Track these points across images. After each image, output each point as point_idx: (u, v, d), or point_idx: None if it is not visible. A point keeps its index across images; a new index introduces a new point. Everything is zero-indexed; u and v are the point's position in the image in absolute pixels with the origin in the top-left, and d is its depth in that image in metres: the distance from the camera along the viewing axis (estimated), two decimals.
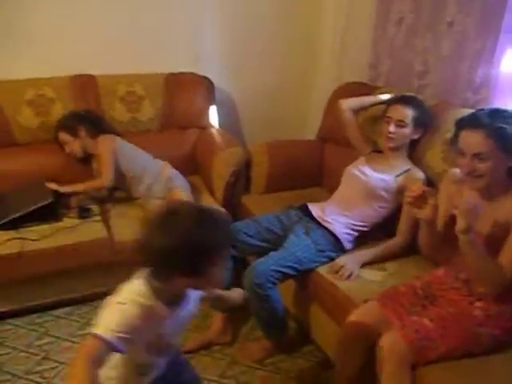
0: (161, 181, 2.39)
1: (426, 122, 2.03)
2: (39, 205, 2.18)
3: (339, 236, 2.00)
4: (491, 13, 1.98)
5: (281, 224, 2.10)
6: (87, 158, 2.47)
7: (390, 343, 1.43)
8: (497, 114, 1.43)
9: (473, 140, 1.41)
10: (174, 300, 1.16)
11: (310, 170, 2.69)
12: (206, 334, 2.10)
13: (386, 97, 2.22)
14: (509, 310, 1.48)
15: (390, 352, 1.41)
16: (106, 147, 2.35)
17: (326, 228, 2.02)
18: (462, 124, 1.47)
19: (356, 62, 2.79)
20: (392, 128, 2.02)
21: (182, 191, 2.38)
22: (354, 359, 1.62)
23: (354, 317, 1.61)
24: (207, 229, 1.06)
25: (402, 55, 2.48)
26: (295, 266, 1.89)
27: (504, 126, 1.39)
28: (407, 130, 2.02)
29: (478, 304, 1.50)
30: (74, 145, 2.40)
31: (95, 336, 1.01)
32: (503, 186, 1.47)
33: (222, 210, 1.31)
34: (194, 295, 1.23)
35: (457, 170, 1.54)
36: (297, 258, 1.90)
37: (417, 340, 1.41)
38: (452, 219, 1.40)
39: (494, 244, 1.43)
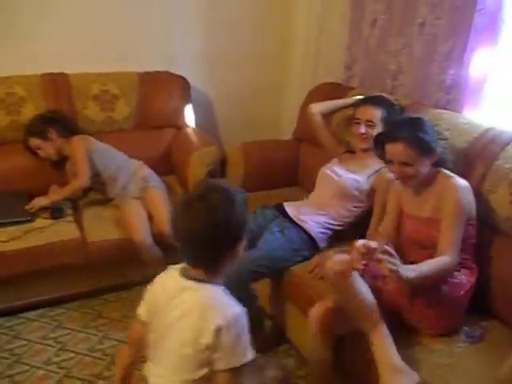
0: (135, 180, 2.37)
1: None
2: (16, 219, 2.16)
3: (314, 235, 2.01)
4: (461, 14, 2.02)
5: (256, 223, 2.10)
6: (61, 161, 2.42)
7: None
8: (413, 123, 1.65)
9: (396, 151, 1.61)
10: None
11: (285, 169, 2.70)
12: None
13: (356, 99, 2.25)
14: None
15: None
16: (81, 147, 2.31)
17: (300, 227, 2.03)
18: (384, 139, 1.68)
19: (331, 63, 2.82)
20: (362, 129, 2.04)
21: (157, 191, 2.36)
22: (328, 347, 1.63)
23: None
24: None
25: (376, 56, 2.51)
26: (270, 264, 1.89)
27: (420, 134, 1.59)
28: (376, 130, 2.03)
29: None
30: (48, 148, 2.35)
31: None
32: (430, 177, 1.65)
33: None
34: None
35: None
36: (271, 257, 1.91)
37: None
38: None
39: (434, 224, 1.59)
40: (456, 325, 1.57)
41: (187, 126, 2.79)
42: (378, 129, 2.03)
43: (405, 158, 1.59)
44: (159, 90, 2.71)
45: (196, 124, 2.84)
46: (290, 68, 3.16)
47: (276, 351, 2.08)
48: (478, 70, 2.03)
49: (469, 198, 1.58)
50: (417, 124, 1.65)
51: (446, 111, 2.02)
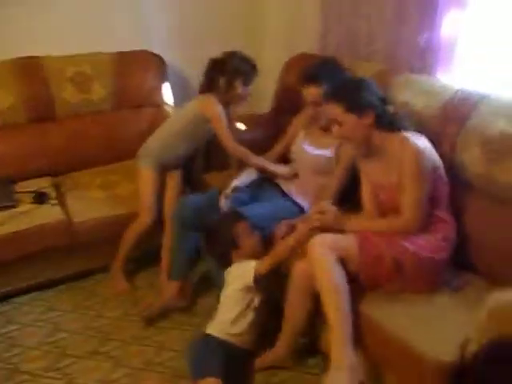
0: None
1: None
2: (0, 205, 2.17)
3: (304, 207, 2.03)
4: None
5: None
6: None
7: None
8: (344, 83, 1.75)
9: (327, 111, 1.70)
10: None
11: (267, 142, 2.71)
12: (159, 301, 2.12)
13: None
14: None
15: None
16: None
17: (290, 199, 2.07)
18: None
19: (306, 31, 2.80)
20: (310, 110, 2.02)
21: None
22: (304, 306, 1.70)
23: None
24: None
25: (350, 22, 2.50)
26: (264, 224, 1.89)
27: (344, 89, 1.67)
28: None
29: None
30: None
31: None
32: (384, 141, 1.65)
33: None
34: None
35: None
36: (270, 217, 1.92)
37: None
38: None
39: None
40: (440, 283, 1.62)
41: (166, 105, 2.78)
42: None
43: (332, 115, 1.65)
44: (135, 69, 2.68)
45: (174, 103, 2.83)
46: (265, 40, 3.13)
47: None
48: (449, 32, 2.05)
49: (428, 157, 1.57)
50: (348, 83, 1.75)
51: (419, 76, 2.04)
